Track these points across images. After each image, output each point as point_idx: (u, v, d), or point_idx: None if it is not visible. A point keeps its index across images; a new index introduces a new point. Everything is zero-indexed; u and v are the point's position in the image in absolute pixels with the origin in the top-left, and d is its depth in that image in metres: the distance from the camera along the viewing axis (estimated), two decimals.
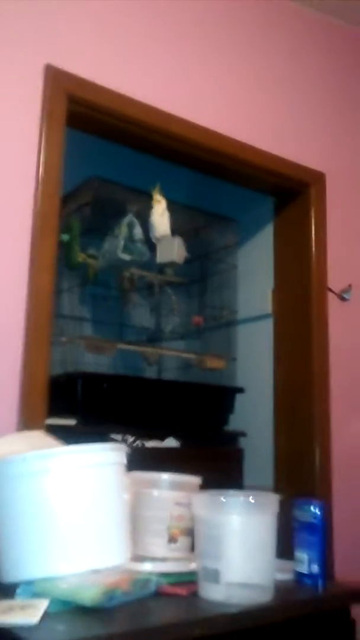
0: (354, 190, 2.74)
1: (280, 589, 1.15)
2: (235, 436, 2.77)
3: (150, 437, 2.46)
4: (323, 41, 2.76)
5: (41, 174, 1.90)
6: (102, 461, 1.13)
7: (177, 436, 2.53)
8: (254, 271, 2.91)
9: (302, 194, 2.59)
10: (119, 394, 2.52)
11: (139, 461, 1.44)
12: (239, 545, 1.07)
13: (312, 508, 1.22)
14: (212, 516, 1.08)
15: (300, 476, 2.38)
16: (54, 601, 1.00)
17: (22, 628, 0.89)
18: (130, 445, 2.36)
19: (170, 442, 2.51)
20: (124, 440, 2.31)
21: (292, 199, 2.64)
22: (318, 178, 2.59)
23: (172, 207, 2.71)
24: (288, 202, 2.66)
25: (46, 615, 0.95)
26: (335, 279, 2.58)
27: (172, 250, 2.72)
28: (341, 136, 2.75)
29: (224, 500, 1.08)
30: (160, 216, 2.65)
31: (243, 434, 2.76)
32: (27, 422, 1.76)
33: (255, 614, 1.05)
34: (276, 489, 2.38)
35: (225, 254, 3.02)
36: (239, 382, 2.88)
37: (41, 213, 1.89)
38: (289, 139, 2.54)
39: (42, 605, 0.97)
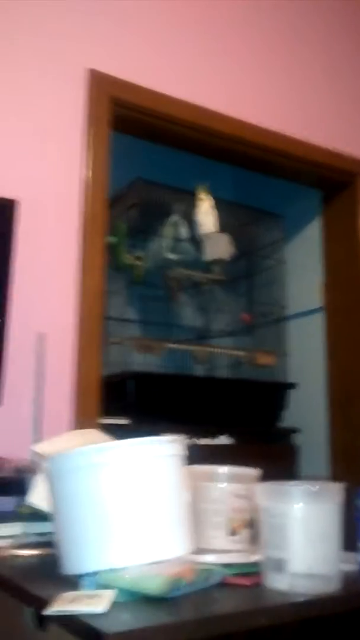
0: None
1: (346, 579, 1.12)
2: (288, 432, 2.74)
3: (203, 435, 2.46)
4: (358, 25, 2.72)
5: (88, 177, 1.93)
6: (159, 453, 1.13)
7: (230, 434, 2.53)
8: (302, 266, 2.88)
9: (349, 184, 2.56)
10: (171, 393, 2.53)
11: (192, 459, 1.43)
12: (303, 534, 1.05)
13: None
14: (275, 505, 1.07)
15: (356, 469, 2.33)
16: (120, 591, 1.00)
17: (90, 616, 0.90)
18: (186, 443, 2.36)
19: (223, 440, 2.50)
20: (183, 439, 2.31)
21: (340, 191, 2.60)
22: None
23: (217, 204, 2.71)
24: (335, 194, 2.63)
25: (113, 605, 0.95)
26: None
27: (220, 247, 2.73)
28: None
29: (287, 488, 1.07)
30: (206, 214, 2.65)
31: (297, 430, 2.73)
32: (81, 421, 1.79)
33: (321, 604, 1.03)
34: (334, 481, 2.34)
35: (272, 249, 3.00)
36: (292, 378, 2.85)
37: (89, 215, 1.92)
38: (333, 129, 2.51)
39: (108, 595, 0.97)
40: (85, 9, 2.03)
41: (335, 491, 1.10)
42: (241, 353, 2.84)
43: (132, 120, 2.13)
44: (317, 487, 1.07)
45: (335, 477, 2.41)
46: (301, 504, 1.05)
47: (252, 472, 1.35)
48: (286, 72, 2.46)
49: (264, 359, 2.77)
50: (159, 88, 2.11)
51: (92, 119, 1.98)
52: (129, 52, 2.10)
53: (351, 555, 1.24)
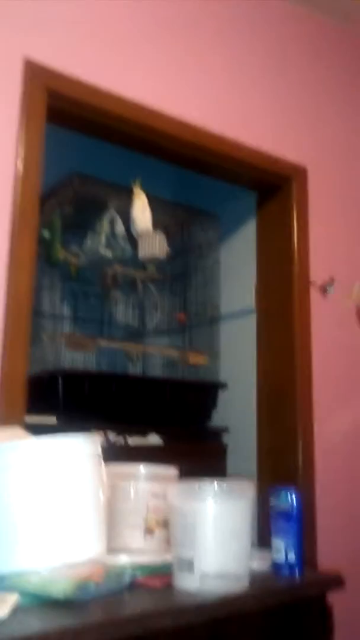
0: (336, 184, 2.74)
1: (257, 577, 1.14)
2: (218, 432, 2.77)
3: (134, 433, 2.45)
4: (305, 35, 2.76)
5: (20, 170, 1.89)
6: (74, 452, 1.12)
7: (160, 432, 2.53)
8: (237, 266, 2.91)
9: (283, 188, 2.59)
10: (101, 391, 2.51)
11: (122, 458, 1.43)
12: (213, 532, 1.06)
13: (287, 495, 1.21)
14: (185, 504, 1.07)
15: (283, 469, 2.38)
16: (25, 595, 0.98)
17: None
18: (112, 442, 2.35)
19: (153, 439, 2.50)
20: (106, 437, 2.30)
21: (274, 194, 2.64)
22: (299, 172, 2.59)
23: (154, 202, 2.70)
24: (270, 196, 2.66)
25: (17, 609, 0.93)
26: (317, 273, 2.58)
27: (154, 246, 2.72)
28: (323, 130, 2.75)
29: (198, 487, 1.08)
30: (141, 211, 2.64)
31: (226, 430, 2.76)
32: (5, 420, 1.74)
33: (230, 603, 1.04)
34: (259, 482, 2.38)
35: (208, 249, 3.01)
36: (223, 378, 2.87)
37: (20, 210, 1.87)
38: (269, 133, 2.54)
39: (12, 599, 0.95)
40: None
41: (246, 489, 1.11)
42: (173, 352, 2.85)
43: (68, 113, 2.09)
44: (228, 484, 1.08)
45: (261, 476, 2.44)
46: (211, 502, 1.06)
47: (171, 471, 1.36)
48: (226, 73, 2.47)
49: (196, 359, 2.78)
50: (97, 82, 2.08)
51: (27, 111, 1.93)
52: (68, 44, 2.06)
53: (265, 552, 1.26)
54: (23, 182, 1.89)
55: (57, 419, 2.32)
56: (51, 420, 2.30)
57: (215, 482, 1.08)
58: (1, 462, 1.07)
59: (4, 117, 1.89)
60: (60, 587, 0.98)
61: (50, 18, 2.03)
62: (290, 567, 1.20)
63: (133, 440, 2.41)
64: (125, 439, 2.38)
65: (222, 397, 2.82)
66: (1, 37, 1.92)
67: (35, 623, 0.92)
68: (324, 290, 2.58)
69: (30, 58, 1.96)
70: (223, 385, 2.81)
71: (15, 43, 1.94)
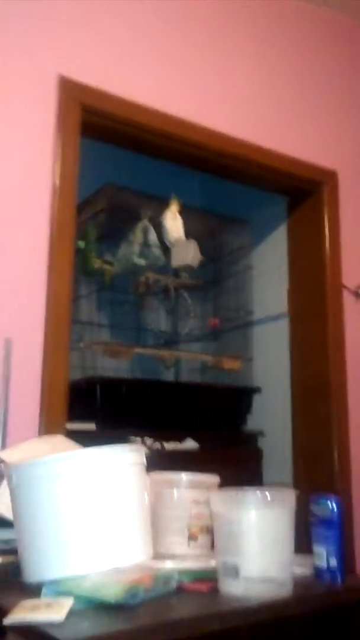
0: None
1: (299, 583, 1.17)
2: (253, 436, 2.79)
3: (169, 439, 2.49)
4: (331, 38, 2.77)
5: (57, 183, 1.94)
6: (122, 462, 1.16)
7: (195, 437, 2.56)
8: (269, 272, 2.93)
9: (314, 192, 2.61)
10: (137, 398, 2.55)
11: (158, 463, 1.46)
12: (257, 539, 1.09)
13: (328, 503, 1.24)
14: (229, 512, 1.11)
15: (319, 474, 2.39)
16: (78, 599, 1.03)
17: (49, 624, 0.93)
18: (149, 448, 2.39)
19: (189, 444, 2.54)
20: (143, 443, 2.34)
21: (305, 198, 2.65)
22: (330, 176, 2.61)
23: (185, 210, 2.74)
24: (300, 201, 2.67)
25: (71, 612, 0.98)
26: (349, 276, 2.59)
27: (187, 254, 2.76)
28: (352, 134, 2.76)
29: (241, 496, 1.11)
30: (173, 220, 2.68)
31: (261, 434, 2.78)
32: (47, 426, 1.79)
33: (274, 608, 1.07)
34: (296, 486, 2.40)
35: (240, 255, 3.04)
36: (256, 383, 2.90)
37: (58, 221, 1.93)
38: (299, 138, 2.56)
39: (67, 603, 1.00)
40: (57, 16, 2.04)
41: (288, 498, 1.14)
42: (208, 358, 2.88)
43: (101, 127, 2.15)
44: (271, 494, 1.11)
45: (297, 480, 2.46)
46: (254, 511, 1.09)
47: (212, 478, 1.39)
48: (256, 81, 2.50)
49: (230, 364, 2.81)
50: (128, 95, 2.13)
51: (62, 126, 1.99)
52: (100, 59, 2.11)
53: (306, 558, 1.29)
54: (60, 195, 1.95)
55: (95, 425, 2.38)
56: (90, 426, 2.35)
57: (258, 491, 1.11)
58: (53, 472, 1.11)
59: (41, 132, 1.95)
60: (111, 591, 1.02)
61: (83, 36, 2.08)
62: (332, 573, 1.22)
63: (169, 446, 2.45)
64: (162, 444, 2.42)
65: (257, 401, 2.84)
66: (37, 55, 1.98)
67: (89, 626, 0.96)
68: (356, 294, 2.58)
69: (64, 75, 2.01)
70: (257, 390, 2.83)
71: (50, 61, 2.00)
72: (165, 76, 2.26)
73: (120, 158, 2.58)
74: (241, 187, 2.72)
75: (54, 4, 2.04)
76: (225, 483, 1.40)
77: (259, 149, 2.41)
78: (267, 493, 1.13)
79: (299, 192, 2.65)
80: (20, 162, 1.91)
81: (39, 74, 1.98)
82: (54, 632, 0.90)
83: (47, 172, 1.95)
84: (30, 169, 1.92)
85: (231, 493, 1.14)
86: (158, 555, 1.24)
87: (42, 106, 1.97)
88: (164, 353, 2.86)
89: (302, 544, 1.30)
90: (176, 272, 2.91)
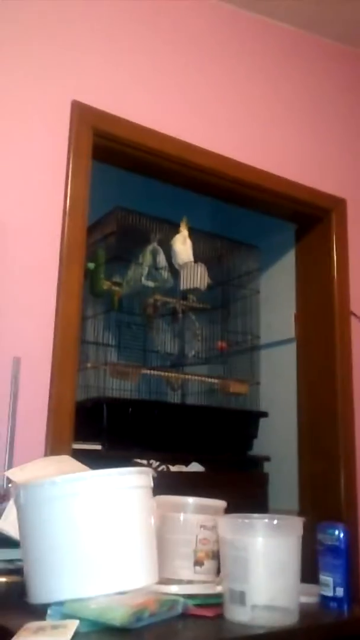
0: None
1: (306, 612, 1.16)
2: (259, 461, 2.77)
3: (175, 461, 2.48)
4: (337, 66, 2.82)
5: (68, 205, 1.97)
6: (129, 484, 1.16)
7: (201, 461, 2.55)
8: (277, 296, 2.94)
9: (323, 219, 2.63)
10: (144, 419, 2.55)
11: (164, 486, 1.46)
12: (264, 567, 1.09)
13: (335, 532, 1.23)
14: (237, 538, 1.10)
15: (325, 500, 2.37)
16: (84, 621, 1.02)
17: None
18: (155, 470, 2.38)
19: (195, 467, 2.53)
20: (149, 465, 2.33)
21: (313, 225, 2.67)
22: (339, 204, 2.63)
23: (194, 234, 2.76)
24: (309, 228, 2.70)
25: (77, 635, 0.97)
26: (357, 303, 2.59)
27: (196, 277, 2.77)
28: None
29: (249, 522, 1.11)
30: (183, 244, 2.70)
31: (267, 459, 2.77)
32: (54, 446, 1.80)
33: (280, 636, 1.06)
34: (301, 513, 2.38)
35: (248, 279, 3.06)
36: (263, 407, 2.89)
37: (68, 242, 1.95)
38: (307, 165, 2.59)
39: (73, 625, 0.99)
40: (70, 42, 2.09)
41: (295, 525, 1.14)
42: (215, 381, 2.88)
43: (112, 150, 2.18)
44: (278, 520, 1.11)
45: (303, 507, 2.44)
46: (262, 538, 1.08)
47: (220, 503, 1.39)
48: (266, 109, 2.54)
49: (237, 387, 2.81)
50: (139, 120, 2.17)
51: (74, 149, 2.02)
52: (112, 85, 2.16)
53: (312, 587, 1.27)
54: (71, 216, 1.97)
55: (101, 445, 2.37)
56: (96, 447, 2.34)
57: (266, 518, 1.11)
58: (62, 493, 1.11)
59: (54, 155, 1.99)
60: (117, 614, 1.02)
61: (96, 63, 2.14)
62: (339, 602, 1.21)
63: (175, 469, 2.44)
64: (167, 467, 2.42)
65: (263, 426, 2.83)
66: (51, 80, 2.03)
67: None
68: None
69: (78, 99, 2.05)
70: (264, 414, 2.83)
71: (63, 86, 2.04)
72: (176, 102, 2.30)
73: (131, 181, 2.61)
74: (251, 212, 2.74)
75: (69, 33, 2.09)
76: (230, 507, 1.39)
77: (268, 176, 2.44)
78: (274, 520, 1.12)
79: (307, 219, 2.67)
80: (32, 184, 1.94)
81: (53, 99, 2.02)
82: None
83: (59, 194, 1.98)
84: (43, 191, 1.95)
85: (239, 519, 1.14)
86: (163, 580, 1.24)
87: (56, 130, 2.01)
88: (171, 375, 2.86)
89: (308, 572, 1.29)
90: (184, 295, 2.92)
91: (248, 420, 2.82)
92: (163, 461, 2.43)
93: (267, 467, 2.77)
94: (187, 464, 2.53)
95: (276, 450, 2.75)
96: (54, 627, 0.99)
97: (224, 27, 2.49)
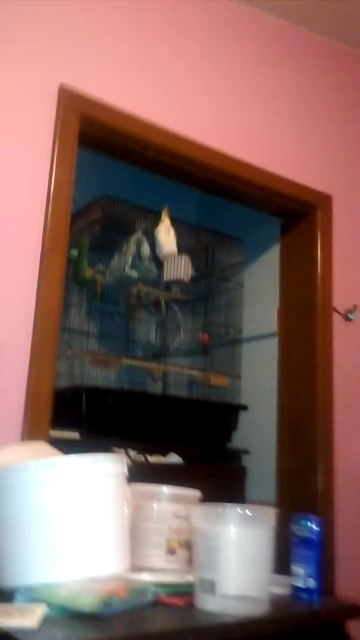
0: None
1: (276, 602, 1.16)
2: (238, 453, 2.78)
3: (153, 452, 2.48)
4: (328, 65, 2.82)
5: (52, 192, 1.95)
6: (103, 471, 1.16)
7: (180, 452, 2.55)
8: (260, 290, 2.95)
9: (308, 215, 2.63)
10: (123, 409, 2.54)
11: (141, 476, 1.46)
12: (236, 556, 1.09)
13: (308, 523, 1.23)
14: (209, 527, 1.10)
15: (302, 493, 2.38)
16: (53, 607, 1.02)
17: (21, 631, 0.91)
18: (133, 460, 2.38)
19: (173, 458, 2.53)
20: (127, 455, 2.33)
21: (299, 220, 2.67)
22: (324, 200, 2.63)
23: (179, 226, 2.75)
24: (294, 223, 2.69)
25: (45, 620, 0.96)
26: (340, 299, 2.60)
27: (179, 269, 2.77)
28: (348, 159, 2.79)
29: (222, 511, 1.10)
30: (166, 235, 2.69)
31: (246, 452, 2.78)
32: (31, 433, 1.78)
33: (249, 626, 1.06)
34: (278, 505, 2.39)
35: (232, 272, 3.05)
36: (243, 400, 2.90)
37: (51, 229, 1.93)
38: (295, 161, 2.59)
39: (41, 610, 0.99)
40: (59, 26, 2.06)
41: (268, 516, 1.14)
42: (195, 373, 2.88)
43: (99, 137, 2.16)
44: (251, 511, 1.11)
45: (280, 500, 2.45)
46: (234, 527, 1.08)
47: (194, 493, 1.39)
48: (254, 102, 2.53)
49: (218, 380, 2.81)
50: (128, 108, 2.15)
51: (60, 135, 1.99)
52: (101, 71, 2.14)
53: (284, 578, 1.28)
54: (54, 203, 1.95)
55: (79, 434, 2.36)
56: (74, 435, 2.33)
57: (239, 508, 1.11)
58: (32, 478, 1.10)
59: (39, 140, 1.96)
60: (86, 601, 1.01)
61: (84, 47, 2.11)
62: (310, 593, 1.21)
63: (153, 459, 2.44)
64: (145, 457, 2.41)
65: (243, 419, 2.84)
66: (38, 64, 2.00)
67: (62, 634, 0.95)
68: (346, 317, 2.60)
69: (65, 84, 2.03)
70: (244, 407, 2.83)
71: (50, 70, 2.02)
72: (165, 92, 2.28)
73: (117, 170, 2.59)
74: (236, 205, 2.74)
75: (57, 15, 2.06)
76: (207, 499, 1.39)
77: (255, 169, 2.43)
78: (247, 510, 1.12)
79: (293, 213, 2.67)
80: (17, 169, 1.91)
81: (40, 84, 1.99)
82: (26, 639, 0.88)
83: (43, 180, 1.95)
84: (27, 176, 1.93)
85: (212, 508, 1.14)
86: (136, 568, 1.23)
87: (42, 114, 1.98)
88: (152, 365, 2.86)
89: (284, 564, 1.30)
90: (168, 286, 2.92)
91: (228, 413, 2.82)
92: (141, 451, 2.43)
93: (245, 460, 2.78)
94: (165, 454, 2.53)
95: (255, 443, 2.76)
96: (22, 611, 0.98)
97: (215, 18, 2.48)
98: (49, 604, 1.01)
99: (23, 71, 1.96)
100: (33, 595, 1.05)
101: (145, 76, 2.24)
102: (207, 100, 2.39)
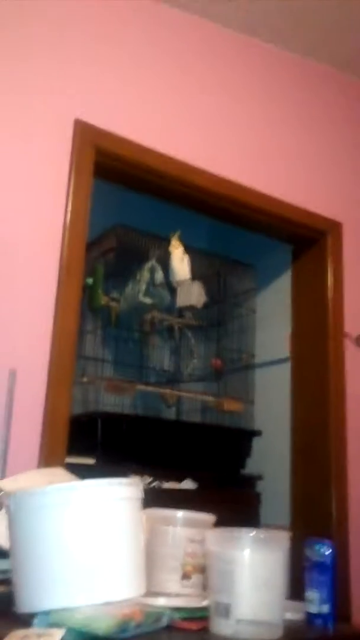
0: None
1: (290, 627, 1.16)
2: (252, 479, 2.78)
3: (168, 478, 2.49)
4: (339, 95, 2.87)
5: (68, 221, 2.00)
6: (118, 495, 1.18)
7: (194, 478, 2.56)
8: (272, 316, 2.97)
9: (318, 241, 2.67)
10: (138, 435, 2.56)
11: (156, 502, 1.47)
12: (250, 580, 1.10)
13: (322, 547, 1.24)
14: (223, 551, 1.11)
15: (316, 518, 2.38)
16: (70, 631, 1.03)
17: None
18: (148, 486, 2.39)
19: (188, 484, 2.53)
20: (142, 481, 2.34)
21: (310, 247, 2.71)
22: (335, 227, 2.67)
23: (192, 252, 2.80)
24: (305, 249, 2.73)
25: None
26: (351, 324, 2.62)
27: (192, 295, 2.80)
28: (358, 186, 2.83)
29: (236, 535, 1.12)
30: (180, 261, 2.74)
31: (260, 477, 2.77)
32: (47, 459, 1.81)
33: None
34: (292, 530, 2.38)
35: (244, 298, 3.09)
36: (257, 426, 2.90)
37: (67, 258, 1.98)
38: (305, 188, 2.63)
39: (58, 634, 1.00)
40: (73, 60, 2.14)
41: (281, 539, 1.15)
42: (209, 398, 2.90)
43: (114, 169, 2.22)
44: (265, 534, 1.12)
45: (294, 525, 2.44)
46: (248, 551, 1.10)
47: (208, 517, 1.40)
48: (265, 132, 2.59)
49: (231, 405, 2.82)
50: (141, 140, 2.21)
51: (76, 167, 2.06)
52: (115, 104, 2.20)
53: (299, 604, 1.28)
54: (70, 233, 2.01)
55: (95, 460, 2.38)
56: (90, 461, 2.35)
57: (254, 532, 1.12)
58: (50, 502, 1.13)
59: (55, 172, 2.03)
60: (102, 624, 1.03)
61: (99, 82, 2.18)
62: (324, 618, 1.22)
63: (168, 485, 2.45)
64: (160, 483, 2.42)
65: (257, 444, 2.84)
66: (54, 98, 2.07)
67: None
68: (358, 341, 2.61)
69: (80, 118, 2.10)
70: (258, 433, 2.84)
71: (66, 104, 2.09)
72: (177, 122, 2.34)
73: (131, 199, 2.65)
74: (248, 232, 2.78)
75: (72, 52, 2.14)
76: (222, 525, 1.40)
77: (265, 197, 2.48)
78: (261, 534, 1.14)
79: (304, 240, 2.70)
80: (35, 200, 1.97)
81: (56, 117, 2.06)
82: None
83: (60, 211, 2.01)
84: (45, 207, 1.99)
85: (226, 532, 1.15)
86: (150, 593, 1.24)
87: (59, 147, 2.05)
88: (166, 391, 2.88)
89: (298, 590, 1.30)
90: (181, 312, 2.95)
91: (242, 439, 2.83)
92: (156, 477, 2.44)
93: (260, 485, 2.77)
94: (180, 480, 2.54)
95: (270, 468, 2.75)
96: (40, 635, 1.00)
97: (227, 51, 2.55)
98: (66, 628, 1.02)
99: (39, 105, 2.04)
100: (50, 620, 1.06)
101: (158, 107, 2.30)
102: (220, 130, 2.45)
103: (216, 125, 2.45)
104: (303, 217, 2.58)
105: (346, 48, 2.72)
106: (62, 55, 2.12)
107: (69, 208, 2.02)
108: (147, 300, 2.80)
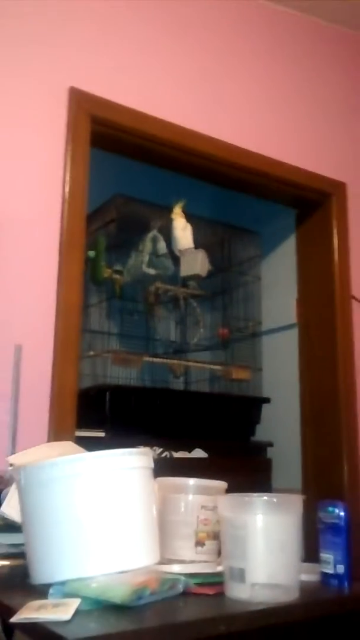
0: None
1: (306, 589, 1.16)
2: (262, 446, 2.78)
3: (178, 448, 2.49)
4: (343, 53, 2.81)
5: (67, 193, 1.97)
6: (129, 465, 1.17)
7: (204, 448, 2.56)
8: (278, 282, 2.94)
9: (323, 204, 2.62)
10: (147, 406, 2.56)
11: (167, 472, 1.47)
12: (264, 544, 1.09)
13: (335, 509, 1.23)
14: (236, 516, 1.11)
15: (328, 483, 2.38)
16: (85, 600, 1.03)
17: (55, 623, 0.93)
18: (159, 456, 2.40)
19: (198, 453, 2.54)
20: (152, 452, 2.34)
21: (314, 210, 2.67)
22: (339, 188, 2.62)
23: (195, 221, 2.76)
24: (310, 212, 2.69)
25: (78, 613, 0.98)
26: (358, 287, 2.59)
27: (196, 264, 2.77)
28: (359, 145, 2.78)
29: (248, 500, 1.11)
30: (183, 230, 2.70)
31: (270, 444, 2.78)
32: (56, 433, 1.81)
33: (279, 612, 1.06)
34: (304, 493, 2.38)
35: (249, 266, 3.06)
36: (265, 393, 2.90)
37: (68, 231, 1.95)
38: (308, 150, 2.58)
39: (74, 603, 1.00)
40: (68, 29, 2.08)
41: (295, 503, 1.14)
42: (217, 367, 2.89)
43: (111, 137, 2.18)
44: (278, 498, 1.12)
45: (306, 489, 2.45)
46: (261, 515, 1.09)
47: (220, 484, 1.39)
48: (266, 94, 2.53)
49: (239, 374, 2.81)
50: (137, 107, 2.16)
51: (72, 136, 2.02)
52: (110, 72, 2.15)
53: (314, 566, 1.28)
54: (70, 205, 1.98)
55: (104, 432, 2.38)
56: (99, 434, 2.36)
57: (265, 496, 1.11)
58: (61, 474, 1.12)
59: (52, 142, 1.99)
60: (118, 592, 1.03)
61: (94, 49, 2.13)
62: (339, 579, 1.21)
63: (178, 455, 2.45)
64: (170, 453, 2.43)
65: (266, 411, 2.84)
66: (49, 67, 2.02)
67: (95, 625, 0.97)
68: None
69: (75, 86, 2.05)
70: (266, 400, 2.83)
71: (61, 72, 2.04)
72: (175, 88, 2.29)
73: (130, 169, 2.61)
74: (251, 198, 2.74)
75: (67, 19, 2.08)
76: (234, 492, 1.40)
77: (267, 161, 2.43)
78: (274, 498, 1.13)
79: (307, 203, 2.66)
80: (31, 172, 1.94)
81: (51, 86, 2.01)
82: (60, 631, 0.90)
83: (58, 182, 1.98)
84: (42, 179, 1.95)
85: (238, 497, 1.14)
86: (165, 561, 1.25)
87: (54, 117, 2.01)
88: (174, 362, 2.87)
89: (312, 552, 1.30)
90: (185, 282, 2.93)
91: (251, 406, 2.82)
92: (166, 448, 2.44)
93: (270, 452, 2.78)
94: (190, 450, 2.54)
95: (280, 435, 2.76)
96: (56, 605, 1.00)
97: (220, 11, 2.48)
98: (82, 598, 1.03)
99: (33, 74, 1.99)
100: (66, 591, 1.06)
101: (153, 73, 2.25)
102: (216, 94, 2.39)
103: (214, 88, 2.39)
104: (306, 179, 2.53)
105: (353, 5, 2.63)
106: (56, 23, 2.06)
107: (67, 179, 1.98)
108: (151, 271, 2.77)
